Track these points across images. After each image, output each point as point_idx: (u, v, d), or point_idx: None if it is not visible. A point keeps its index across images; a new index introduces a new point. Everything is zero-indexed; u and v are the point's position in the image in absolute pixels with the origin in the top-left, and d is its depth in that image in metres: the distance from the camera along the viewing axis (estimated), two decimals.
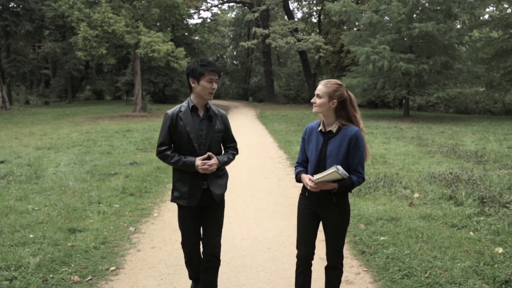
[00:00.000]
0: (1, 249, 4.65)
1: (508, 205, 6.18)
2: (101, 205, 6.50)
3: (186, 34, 39.24)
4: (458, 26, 25.89)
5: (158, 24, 29.75)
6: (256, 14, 34.27)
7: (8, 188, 7.64)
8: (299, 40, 32.44)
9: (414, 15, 23.24)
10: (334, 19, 34.63)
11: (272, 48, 37.85)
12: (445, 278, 3.89)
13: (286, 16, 40.72)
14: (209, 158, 3.32)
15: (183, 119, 3.35)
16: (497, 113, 31.28)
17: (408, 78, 22.86)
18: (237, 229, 5.57)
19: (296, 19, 40.47)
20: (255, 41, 36.43)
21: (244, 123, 22.19)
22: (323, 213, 3.22)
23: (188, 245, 3.59)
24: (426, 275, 3.97)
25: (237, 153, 3.64)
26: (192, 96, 3.40)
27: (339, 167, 2.93)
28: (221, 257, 4.54)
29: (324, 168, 3.10)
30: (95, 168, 9.55)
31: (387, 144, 13.45)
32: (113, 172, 9.08)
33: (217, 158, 3.35)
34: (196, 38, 40.78)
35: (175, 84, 39.36)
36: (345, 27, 33.23)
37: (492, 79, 26.65)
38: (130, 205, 6.58)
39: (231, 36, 59.50)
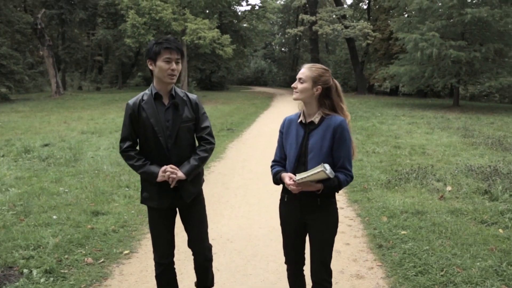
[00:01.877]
0: (26, 229, 4.86)
1: None
2: (128, 189, 6.65)
3: (234, 21, 39.28)
4: None
5: (206, 11, 29.96)
6: (304, 0, 33.80)
7: (47, 170, 7.95)
8: (346, 27, 31.75)
9: (467, 0, 22.11)
10: (383, 5, 33.72)
11: (319, 35, 37.25)
12: (462, 277, 3.69)
13: (334, 3, 39.92)
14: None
15: (145, 110, 2.93)
16: None
17: (458, 67, 21.85)
18: (257, 217, 5.53)
19: (345, 6, 39.58)
20: (302, 28, 35.97)
21: (287, 111, 22.01)
22: (306, 219, 2.83)
23: (161, 255, 3.12)
24: (442, 273, 3.78)
25: (212, 145, 3.09)
26: (154, 82, 2.98)
27: (327, 165, 2.55)
28: (234, 245, 4.58)
29: (304, 165, 2.77)
30: None
31: (429, 135, 12.95)
32: None
33: (182, 173, 2.91)
34: (244, 25, 40.75)
35: (221, 71, 39.66)
36: (395, 14, 32.15)
37: None
38: None
39: (279, 23, 59.06)
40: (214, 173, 8.00)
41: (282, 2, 51.23)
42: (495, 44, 21.22)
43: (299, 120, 2.88)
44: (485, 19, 20.58)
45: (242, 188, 6.85)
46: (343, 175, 2.70)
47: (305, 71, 2.80)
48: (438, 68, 22.41)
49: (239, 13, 40.17)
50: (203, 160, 3.03)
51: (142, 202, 3.11)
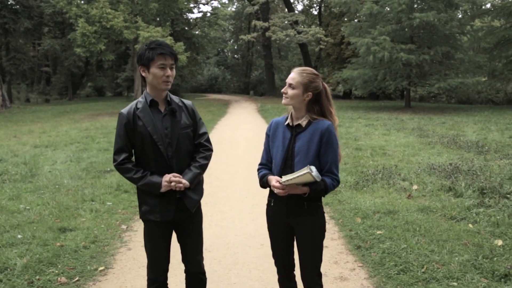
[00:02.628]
0: None
1: (508, 196, 6.05)
2: (94, 203, 6.40)
3: (186, 28, 39.03)
4: (460, 16, 25.61)
5: (157, 19, 29.60)
6: (256, 7, 34.06)
7: (2, 187, 7.54)
8: (299, 33, 32.24)
9: (415, 5, 22.98)
10: (334, 10, 34.55)
11: (272, 41, 37.62)
12: (442, 272, 3.77)
13: (286, 9, 40.45)
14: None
15: (141, 118, 2.77)
16: (499, 103, 31.02)
17: (409, 69, 22.64)
18: (231, 225, 5.46)
19: (296, 11, 40.21)
20: (255, 34, 36.25)
21: (244, 117, 22.08)
22: (293, 222, 2.80)
23: (157, 272, 2.95)
24: (423, 270, 3.85)
25: (210, 152, 2.99)
26: (147, 89, 2.84)
27: (313, 167, 2.52)
28: (213, 255, 4.48)
29: (291, 168, 2.73)
30: (91, 165, 9.45)
31: (387, 136, 13.30)
32: (108, 169, 8.97)
33: (186, 180, 2.79)
34: (196, 32, 40.57)
35: (175, 79, 39.11)
36: (345, 19, 32.96)
37: (494, 68, 26.38)
38: (123, 203, 6.48)
39: (232, 29, 59.21)
40: None
41: (233, 9, 51.45)
42: (442, 47, 22.16)
43: (286, 123, 2.84)
44: (432, 23, 21.47)
45: (211, 197, 6.74)
46: (329, 179, 2.68)
47: (296, 76, 2.75)
48: (390, 71, 23.13)
49: (191, 20, 39.97)
50: (204, 168, 2.93)
51: (141, 217, 2.93)
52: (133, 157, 2.90)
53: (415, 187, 6.73)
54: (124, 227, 5.43)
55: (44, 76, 48.68)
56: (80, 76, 46.65)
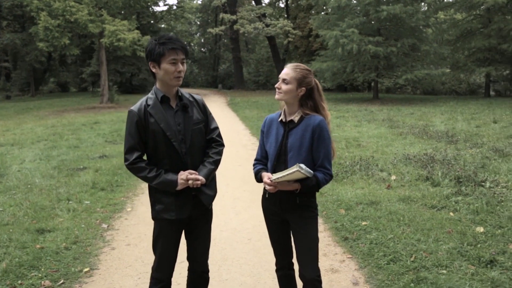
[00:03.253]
0: None
1: (483, 183, 6.23)
2: (70, 202, 6.21)
3: (152, 22, 38.40)
4: (425, 9, 26.12)
5: (122, 12, 28.96)
6: (223, 0, 33.77)
7: None
8: (267, 26, 32.19)
9: None
10: (301, 3, 34.65)
11: (240, 34, 37.45)
12: (431, 261, 3.83)
13: (253, 1, 40.31)
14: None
15: (153, 115, 2.69)
16: (462, 93, 31.97)
17: (377, 61, 22.97)
18: (215, 220, 5.30)
19: (263, 4, 40.12)
20: (223, 28, 35.95)
21: (215, 111, 21.83)
22: (287, 217, 2.83)
23: (164, 272, 2.89)
24: (412, 259, 3.90)
25: (223, 147, 2.97)
26: (157, 85, 2.77)
27: (302, 165, 2.54)
28: None
29: (284, 163, 2.76)
30: (63, 163, 9.18)
31: (359, 127, 13.47)
32: (82, 167, 8.74)
33: (202, 176, 2.73)
34: (163, 26, 39.95)
35: (143, 73, 38.53)
36: (313, 11, 33.11)
37: (457, 60, 27.08)
38: (101, 201, 6.31)
39: (198, 23, 58.64)
40: None
41: (200, 2, 50.90)
42: (409, 39, 22.57)
43: (280, 119, 2.87)
44: (398, 16, 21.80)
45: None
46: (321, 174, 2.70)
47: (290, 72, 2.77)
48: (358, 63, 23.43)
49: (157, 14, 39.29)
50: (217, 164, 2.88)
51: (155, 217, 2.84)
52: (145, 156, 2.83)
53: (393, 177, 6.83)
54: (105, 226, 5.29)
55: (4, 72, 46.98)
56: (42, 71, 45.19)
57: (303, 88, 2.75)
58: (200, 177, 2.71)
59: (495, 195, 5.60)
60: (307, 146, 2.71)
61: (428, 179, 6.59)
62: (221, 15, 34.46)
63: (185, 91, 2.91)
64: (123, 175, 7.92)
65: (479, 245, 4.12)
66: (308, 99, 2.79)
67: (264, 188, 2.89)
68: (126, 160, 2.73)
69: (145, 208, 5.96)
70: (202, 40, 61.32)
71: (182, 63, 2.70)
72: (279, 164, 2.79)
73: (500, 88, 31.22)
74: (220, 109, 23.22)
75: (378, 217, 5.04)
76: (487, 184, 6.16)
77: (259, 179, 2.87)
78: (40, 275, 3.92)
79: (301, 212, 2.78)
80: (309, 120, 2.74)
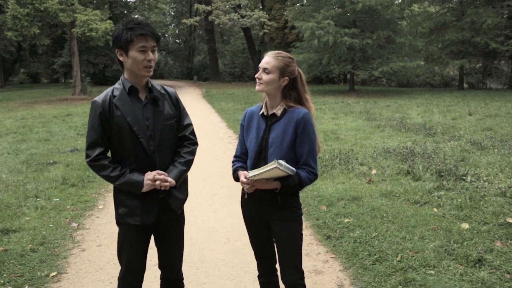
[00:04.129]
0: None
1: (464, 177, 6.15)
2: (38, 199, 5.87)
3: (125, 12, 37.52)
4: (399, 1, 26.23)
5: (94, 1, 28.17)
6: None
7: None
8: (242, 17, 31.81)
9: None
10: None
11: (215, 25, 36.94)
12: (418, 261, 3.68)
13: None
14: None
15: (119, 107, 2.42)
16: (436, 86, 32.39)
17: (353, 53, 22.95)
18: (192, 218, 5.14)
19: None
20: (197, 18, 35.36)
21: (190, 103, 21.55)
22: (268, 218, 2.60)
23: (132, 283, 2.62)
24: (398, 258, 3.75)
25: (196, 146, 2.70)
26: (125, 74, 2.49)
27: (282, 161, 2.31)
28: None
29: (264, 161, 2.52)
30: (32, 157, 8.76)
31: (336, 120, 13.37)
32: (52, 161, 8.35)
33: (172, 178, 2.47)
34: (136, 16, 39.12)
35: (116, 64, 37.61)
36: (288, 3, 32.88)
37: (431, 52, 27.33)
38: (71, 198, 5.98)
39: (172, 13, 57.70)
40: None
41: None
42: (384, 31, 22.60)
43: (261, 112, 2.62)
44: (374, 8, 21.81)
45: None
46: (305, 172, 2.47)
47: (271, 60, 2.52)
48: (334, 55, 23.36)
49: (130, 4, 38.45)
50: (190, 164, 2.60)
51: (118, 221, 2.57)
52: (109, 152, 2.55)
53: (374, 171, 6.69)
54: (74, 225, 4.99)
55: None
56: (12, 61, 43.74)
57: (286, 78, 2.52)
58: (170, 179, 2.45)
59: (478, 189, 5.51)
60: (289, 141, 2.48)
61: (409, 173, 6.48)
62: (196, 5, 33.99)
63: (156, 83, 2.64)
64: None
65: (465, 243, 4.00)
66: (291, 90, 2.55)
67: (242, 188, 2.66)
68: (87, 156, 2.46)
69: None
70: (177, 31, 60.40)
71: (153, 51, 2.43)
72: (259, 161, 2.56)
73: (473, 81, 31.74)
74: (195, 101, 22.85)
75: (360, 214, 4.88)
76: (468, 178, 6.08)
77: (236, 177, 2.63)
78: (2, 281, 3.61)
79: (283, 213, 2.56)
80: (292, 113, 2.51)
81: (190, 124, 2.70)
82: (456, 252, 3.80)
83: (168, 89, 2.67)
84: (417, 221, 4.58)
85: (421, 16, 27.39)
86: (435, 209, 4.96)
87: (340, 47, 22.21)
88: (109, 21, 24.07)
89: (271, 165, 2.28)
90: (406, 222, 4.56)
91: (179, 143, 2.65)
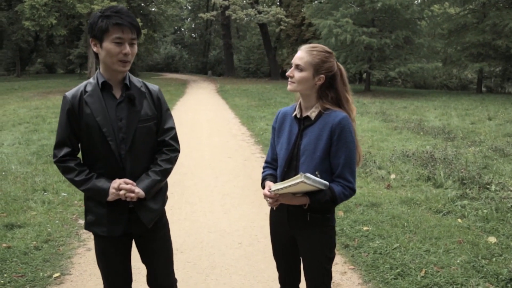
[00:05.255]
0: None
1: (488, 186, 5.86)
2: (46, 193, 5.71)
3: (142, 4, 37.41)
4: (419, 1, 25.73)
5: None
6: None
7: None
8: (259, 13, 31.55)
9: None
10: None
11: (232, 20, 36.72)
12: (444, 277, 3.42)
13: None
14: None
15: (89, 104, 2.17)
16: (453, 88, 31.82)
17: (370, 53, 22.56)
18: (202, 219, 4.94)
19: None
20: (214, 13, 35.20)
21: (204, 98, 21.41)
22: (296, 234, 2.34)
23: None
24: (422, 274, 3.50)
25: (176, 153, 2.39)
26: (101, 68, 2.23)
27: (309, 175, 2.02)
28: (186, 257, 3.97)
29: (295, 170, 2.23)
30: (43, 148, 8.62)
31: None
32: None
33: (141, 189, 2.19)
34: (153, 9, 38.98)
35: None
36: (306, 0, 32.53)
37: (450, 54, 26.79)
38: (79, 192, 5.78)
39: (189, 7, 57.54)
40: None
41: None
42: (403, 31, 22.16)
43: (294, 114, 2.33)
44: (394, 7, 21.37)
45: (178, 185, 6.19)
46: (339, 186, 2.16)
47: (304, 55, 2.22)
48: (351, 54, 22.99)
49: None
50: (166, 174, 2.31)
51: (86, 228, 2.35)
52: (78, 153, 2.31)
53: (393, 176, 6.43)
54: (81, 222, 4.80)
55: None
56: (29, 51, 44.03)
57: (322, 75, 2.20)
58: (138, 190, 2.18)
59: (504, 200, 5.22)
60: (323, 149, 2.18)
61: (429, 179, 6.20)
62: (213, 0, 33.69)
63: (138, 79, 2.36)
64: None
65: (494, 259, 3.73)
66: (328, 89, 2.24)
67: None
68: (54, 155, 2.24)
69: None
70: (193, 25, 60.31)
71: (131, 44, 2.15)
72: (290, 171, 2.26)
73: (491, 84, 31.12)
74: (209, 96, 22.70)
75: (380, 222, 4.62)
76: (493, 187, 5.79)
77: (263, 187, 2.35)
78: (2, 281, 3.43)
79: (312, 232, 2.27)
80: (328, 117, 2.19)
81: (172, 128, 2.39)
82: (484, 269, 3.54)
83: (150, 86, 2.38)
84: (440, 232, 4.32)
85: (440, 17, 26.85)
86: (459, 220, 4.69)
87: (358, 46, 21.84)
88: None
89: (297, 178, 2.00)
90: (429, 233, 4.30)
91: (157, 149, 2.36)
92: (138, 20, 24.30)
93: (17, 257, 3.84)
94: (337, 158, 2.18)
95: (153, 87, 2.38)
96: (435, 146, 8.68)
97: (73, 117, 2.19)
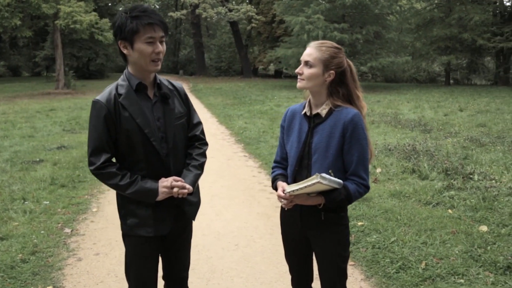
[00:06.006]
0: None
1: (471, 176, 5.98)
2: (26, 202, 5.50)
3: (109, 4, 36.82)
4: None
5: None
6: None
7: None
8: (230, 11, 31.42)
9: None
10: None
11: (201, 19, 36.47)
12: (445, 268, 3.45)
13: None
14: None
15: (127, 107, 2.14)
16: (422, 81, 32.48)
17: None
18: (195, 222, 4.84)
19: None
20: (184, 12, 34.82)
21: None
22: (309, 234, 2.30)
23: None
24: (423, 266, 3.52)
25: (207, 146, 2.46)
26: (130, 69, 2.20)
27: (325, 175, 1.99)
28: None
29: (307, 169, 2.21)
30: (16, 155, 8.35)
31: None
32: (38, 159, 7.96)
33: (188, 184, 2.22)
34: (121, 9, 38.40)
35: (100, 58, 36.91)
36: None
37: (419, 48, 27.35)
38: (62, 200, 5.63)
39: (158, 7, 56.81)
40: None
41: None
42: (373, 26, 22.50)
43: (303, 112, 2.28)
44: (364, 3, 21.65)
45: None
46: (354, 185, 2.13)
47: (313, 51, 2.18)
48: None
49: None
50: (203, 167, 2.37)
51: (127, 233, 2.30)
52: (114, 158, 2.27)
53: (378, 170, 6.49)
54: (68, 230, 4.65)
55: None
56: None
57: (332, 71, 2.16)
58: (187, 185, 2.20)
59: (489, 189, 5.33)
60: (335, 147, 2.14)
61: (414, 172, 6.29)
62: None
63: (163, 78, 2.37)
64: (85, 168, 7.22)
65: (489, 248, 3.79)
66: (339, 85, 2.20)
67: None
68: (91, 164, 2.18)
69: (114, 207, 5.31)
70: None
71: (161, 42, 2.15)
72: (302, 169, 2.23)
73: (457, 77, 31.91)
74: None
75: (374, 216, 4.65)
76: (476, 177, 5.91)
77: (274, 187, 2.31)
78: None
79: (327, 232, 2.23)
80: (339, 113, 2.16)
81: (200, 123, 2.46)
82: (482, 258, 3.59)
83: (176, 84, 2.39)
84: (434, 224, 4.37)
85: (408, 12, 27.37)
86: (449, 211, 4.76)
87: None
88: (94, 13, 23.52)
89: (313, 179, 1.97)
90: (423, 225, 4.35)
91: (189, 144, 2.40)
92: (106, 21, 23.94)
93: (3, 272, 3.66)
94: (350, 156, 2.15)
95: (178, 84, 2.40)
96: (415, 138, 8.82)
97: (111, 121, 2.15)
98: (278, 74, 38.67)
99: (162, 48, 2.13)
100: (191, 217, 2.36)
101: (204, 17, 33.06)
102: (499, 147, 7.83)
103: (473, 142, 8.46)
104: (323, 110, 2.21)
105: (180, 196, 2.19)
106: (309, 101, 2.28)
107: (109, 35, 23.72)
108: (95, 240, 4.42)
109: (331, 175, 2.07)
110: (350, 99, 2.22)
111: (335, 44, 2.24)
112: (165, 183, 2.17)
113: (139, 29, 2.05)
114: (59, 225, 4.80)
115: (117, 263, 3.88)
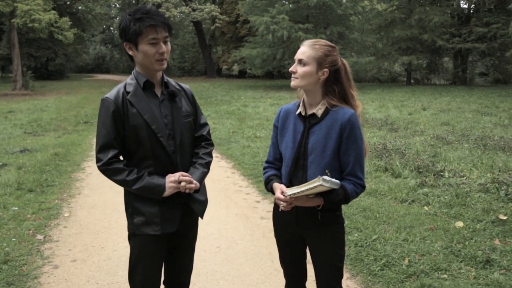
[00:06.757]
0: None
1: (442, 173, 6.13)
2: None
3: (68, 2, 35.78)
4: None
5: None
6: None
7: None
8: (194, 10, 31.17)
9: None
10: None
11: None
12: (428, 264, 3.51)
13: None
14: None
15: (135, 104, 2.17)
16: (384, 81, 33.24)
17: None
18: None
19: None
20: None
21: None
22: (305, 234, 2.28)
23: None
24: (406, 262, 3.57)
25: (213, 147, 2.49)
26: (138, 68, 2.24)
27: (326, 177, 1.97)
28: None
29: (303, 169, 2.19)
30: None
31: None
32: (0, 163, 7.63)
33: (195, 180, 2.23)
34: (80, 7, 37.40)
35: (60, 58, 35.89)
36: None
37: (381, 48, 27.97)
38: (31, 205, 5.41)
39: (118, 6, 55.73)
40: (93, 175, 6.84)
41: None
42: (337, 27, 22.83)
43: (298, 112, 2.26)
44: (327, 3, 21.93)
45: None
46: (351, 184, 2.13)
47: (307, 49, 2.16)
48: (288, 50, 23.32)
49: None
50: (209, 166, 2.39)
51: (133, 232, 2.27)
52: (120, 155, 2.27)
53: None
54: (40, 237, 4.45)
55: None
56: None
57: (326, 69, 2.14)
58: (195, 181, 2.21)
59: (460, 186, 5.48)
60: (332, 148, 2.13)
61: (387, 170, 6.40)
62: None
63: (170, 79, 2.39)
64: (53, 172, 6.99)
65: (467, 243, 3.89)
66: (334, 84, 2.18)
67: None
68: (98, 160, 2.17)
69: (86, 212, 5.18)
70: None
71: (165, 42, 2.17)
72: (297, 170, 2.21)
73: (417, 77, 32.83)
74: None
75: (352, 215, 4.69)
76: (446, 174, 6.07)
77: (269, 189, 2.29)
78: None
79: (323, 231, 2.22)
80: (336, 114, 2.14)
81: (207, 124, 2.51)
82: (462, 253, 3.67)
83: (184, 85, 2.45)
84: (412, 221, 4.45)
85: (370, 12, 27.94)
86: (425, 208, 4.86)
87: (294, 42, 22.20)
88: (53, 11, 22.80)
89: (315, 182, 1.95)
90: (401, 222, 4.41)
91: (196, 144, 2.43)
92: (66, 19, 23.24)
93: None
94: (347, 156, 2.14)
95: (186, 86, 2.45)
96: (384, 137, 8.98)
97: (119, 118, 2.16)
98: (242, 74, 38.68)
99: (166, 48, 2.17)
100: (200, 215, 2.36)
101: (167, 17, 32.62)
102: (465, 145, 8.06)
103: (440, 140, 8.69)
104: (319, 110, 2.19)
105: (187, 191, 2.18)
106: (303, 101, 2.25)
107: (69, 34, 23.09)
108: (70, 246, 4.25)
109: (327, 175, 2.06)
110: (345, 98, 2.21)
111: (328, 43, 2.22)
112: (172, 178, 2.17)
113: (142, 31, 2.09)
114: (31, 231, 4.60)
115: (96, 270, 3.75)
